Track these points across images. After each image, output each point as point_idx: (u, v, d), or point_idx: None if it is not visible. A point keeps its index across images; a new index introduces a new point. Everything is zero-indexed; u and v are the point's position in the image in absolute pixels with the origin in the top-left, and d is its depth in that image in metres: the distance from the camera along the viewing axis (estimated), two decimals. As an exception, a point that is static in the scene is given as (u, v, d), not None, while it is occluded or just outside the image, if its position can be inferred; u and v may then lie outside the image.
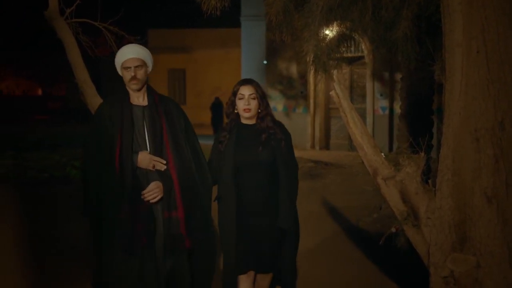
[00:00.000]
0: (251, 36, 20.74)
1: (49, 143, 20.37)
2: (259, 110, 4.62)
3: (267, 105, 4.68)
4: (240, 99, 4.58)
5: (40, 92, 50.50)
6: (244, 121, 4.66)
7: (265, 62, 19.84)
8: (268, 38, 18.01)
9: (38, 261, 7.03)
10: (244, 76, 21.12)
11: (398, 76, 14.16)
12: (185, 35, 30.00)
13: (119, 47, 7.14)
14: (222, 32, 29.57)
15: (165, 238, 4.41)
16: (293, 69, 18.77)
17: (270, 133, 4.58)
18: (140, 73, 4.52)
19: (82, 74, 6.44)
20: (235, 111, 4.66)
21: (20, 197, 11.43)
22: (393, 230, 7.84)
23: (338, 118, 17.39)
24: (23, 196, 11.50)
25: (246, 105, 4.56)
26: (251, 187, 4.55)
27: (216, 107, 25.08)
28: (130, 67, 4.49)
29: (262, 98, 4.63)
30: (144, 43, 8.11)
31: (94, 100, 6.36)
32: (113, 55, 7.24)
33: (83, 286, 6.10)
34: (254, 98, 4.57)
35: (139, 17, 31.73)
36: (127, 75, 4.51)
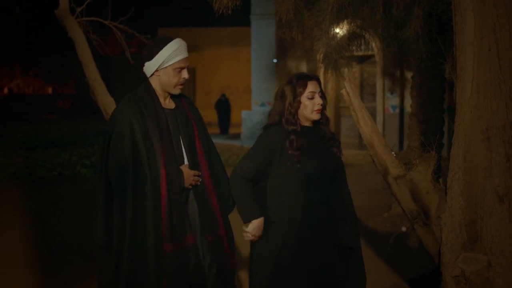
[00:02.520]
0: (261, 35, 20.74)
1: (59, 141, 20.45)
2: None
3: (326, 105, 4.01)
4: (310, 98, 3.85)
5: (50, 91, 50.64)
6: (304, 123, 3.94)
7: (275, 60, 19.83)
8: (278, 36, 17.99)
9: (47, 260, 7.05)
10: (254, 75, 21.16)
11: (409, 74, 14.16)
12: (195, 34, 30.01)
13: (129, 46, 7.20)
14: (232, 31, 29.63)
15: (211, 267, 3.82)
16: (303, 68, 18.75)
17: (333, 139, 4.01)
18: None
19: (92, 73, 6.45)
20: (298, 116, 3.90)
21: (30, 195, 11.48)
22: (403, 229, 7.87)
23: (348, 117, 17.37)
24: (32, 195, 11.55)
25: (319, 104, 3.88)
26: (316, 202, 3.83)
27: (223, 104, 24.55)
28: (183, 68, 3.87)
29: (324, 95, 3.98)
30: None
31: (104, 98, 6.37)
32: (123, 54, 7.30)
33: (94, 285, 6.12)
34: (321, 96, 3.92)
35: (149, 16, 31.80)
36: (175, 77, 3.85)
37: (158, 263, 3.64)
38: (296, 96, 3.85)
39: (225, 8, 5.75)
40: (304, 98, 3.86)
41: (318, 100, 3.87)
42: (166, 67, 3.84)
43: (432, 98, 8.84)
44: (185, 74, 3.88)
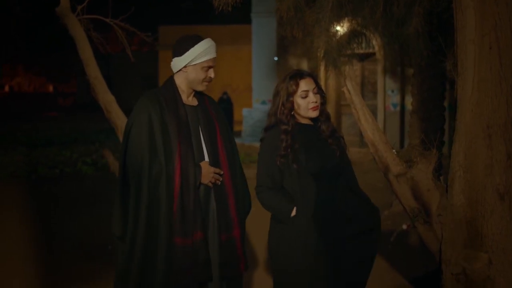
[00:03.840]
0: (262, 33, 20.71)
1: (59, 139, 20.47)
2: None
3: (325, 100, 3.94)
4: (303, 97, 3.78)
5: (51, 89, 50.68)
6: (302, 121, 3.88)
7: (275, 58, 19.82)
8: (278, 34, 17.99)
9: (47, 258, 7.05)
10: (255, 73, 21.14)
11: (409, 72, 14.12)
12: (196, 32, 29.52)
13: (129, 44, 7.20)
14: (232, 29, 29.58)
15: (221, 266, 3.82)
16: (304, 66, 18.73)
17: (333, 136, 3.96)
18: None
19: (93, 71, 6.44)
20: (292, 113, 3.82)
21: (30, 193, 11.48)
22: (404, 227, 7.86)
23: (349, 115, 17.37)
24: (33, 193, 11.55)
25: (314, 102, 3.79)
26: (319, 199, 3.75)
27: (225, 103, 24.45)
28: (211, 67, 3.94)
29: (322, 91, 3.87)
30: (155, 39, 8.13)
31: (105, 96, 6.38)
32: (124, 52, 7.29)
33: (94, 284, 6.13)
34: (317, 93, 3.82)
35: (150, 14, 31.80)
36: (202, 75, 3.90)
37: (168, 255, 3.67)
38: (289, 96, 3.78)
39: (225, 6, 5.74)
40: (297, 97, 3.79)
41: (312, 98, 3.79)
42: (195, 64, 3.89)
43: (432, 96, 8.84)
44: (211, 73, 3.94)
